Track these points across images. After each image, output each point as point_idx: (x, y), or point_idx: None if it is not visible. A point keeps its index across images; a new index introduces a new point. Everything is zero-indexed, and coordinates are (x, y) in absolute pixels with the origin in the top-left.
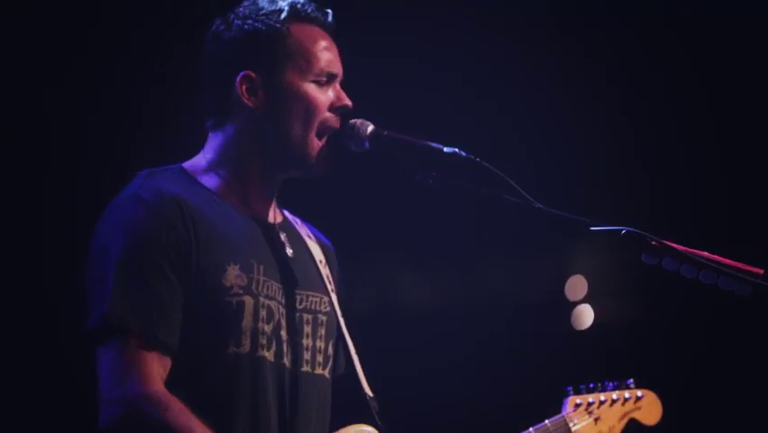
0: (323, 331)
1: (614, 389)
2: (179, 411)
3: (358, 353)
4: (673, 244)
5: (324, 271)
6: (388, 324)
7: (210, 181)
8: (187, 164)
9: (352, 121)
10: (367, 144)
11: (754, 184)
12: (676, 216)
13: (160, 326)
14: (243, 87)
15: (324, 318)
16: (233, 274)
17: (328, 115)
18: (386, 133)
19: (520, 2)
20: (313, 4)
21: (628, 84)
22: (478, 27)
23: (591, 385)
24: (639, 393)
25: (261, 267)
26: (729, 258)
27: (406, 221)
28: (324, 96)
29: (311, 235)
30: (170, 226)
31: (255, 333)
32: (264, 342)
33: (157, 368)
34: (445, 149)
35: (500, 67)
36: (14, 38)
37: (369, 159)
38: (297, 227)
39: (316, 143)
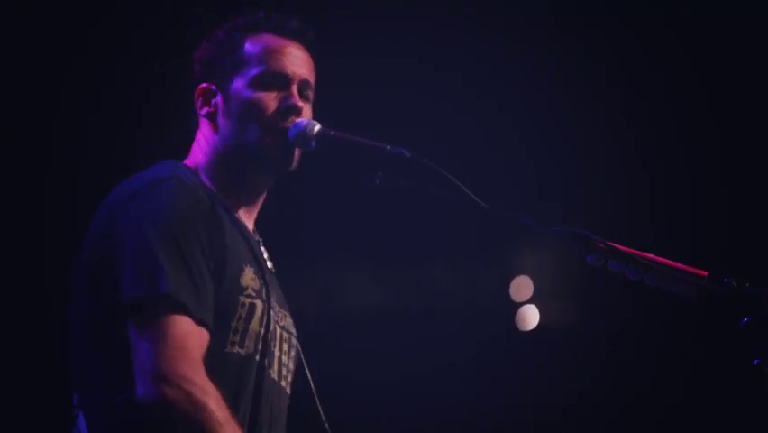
0: (293, 353)
1: None
2: (221, 403)
3: (314, 380)
4: (619, 246)
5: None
6: (329, 328)
7: (210, 184)
8: (189, 163)
9: (299, 120)
10: (313, 144)
11: (754, 184)
12: (676, 216)
13: (207, 309)
14: (199, 99)
15: (295, 342)
16: (249, 276)
17: (276, 116)
18: (332, 132)
19: (520, 2)
20: (277, 15)
21: (628, 84)
22: (478, 27)
23: None
24: None
25: (267, 276)
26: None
27: (351, 222)
28: (272, 99)
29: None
30: (207, 213)
31: (258, 338)
32: (262, 348)
33: (202, 352)
34: (391, 149)
35: (500, 67)
36: (14, 38)
37: (315, 158)
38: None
39: (266, 144)
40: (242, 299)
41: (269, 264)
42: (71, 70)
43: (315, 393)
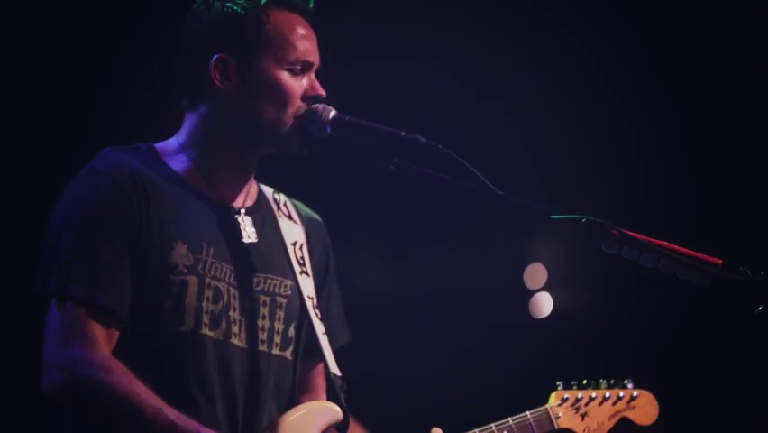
0: (281, 313)
1: (608, 387)
2: (121, 374)
3: (328, 333)
4: (633, 233)
5: (298, 253)
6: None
7: (178, 163)
8: (159, 145)
9: (315, 106)
10: (329, 129)
11: (752, 183)
12: (675, 215)
13: (107, 293)
14: (217, 70)
15: (284, 301)
16: (179, 253)
17: (301, 103)
18: (348, 118)
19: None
20: None
21: (628, 84)
22: (478, 27)
23: (585, 381)
24: (635, 393)
25: (212, 249)
26: (727, 256)
27: (364, 207)
28: (298, 85)
29: (293, 216)
30: (124, 199)
31: (199, 312)
32: (207, 321)
33: (101, 334)
34: (406, 135)
35: (500, 67)
36: (14, 37)
37: (331, 144)
38: (275, 209)
39: (288, 127)
40: (171, 277)
41: (246, 236)
42: (71, 68)
43: (322, 345)
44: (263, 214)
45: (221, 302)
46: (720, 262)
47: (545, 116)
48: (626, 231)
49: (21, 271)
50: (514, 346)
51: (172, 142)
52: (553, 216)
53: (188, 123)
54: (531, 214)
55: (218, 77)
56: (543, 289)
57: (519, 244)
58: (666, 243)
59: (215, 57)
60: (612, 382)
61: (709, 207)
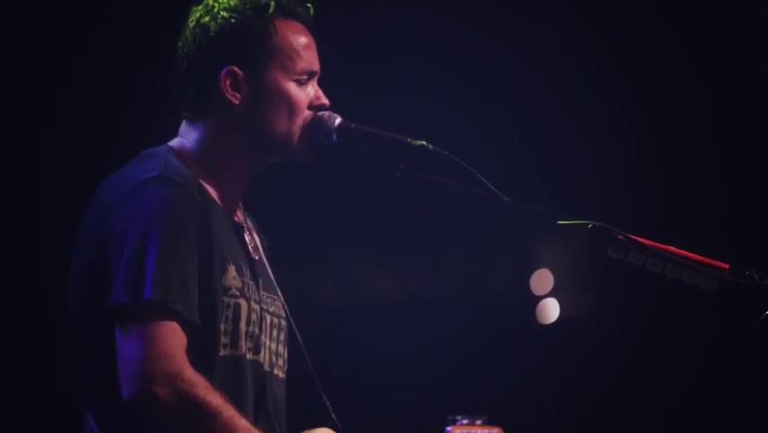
0: (282, 336)
1: (471, 423)
2: (222, 398)
3: (309, 355)
4: (640, 239)
5: (271, 268)
6: (351, 318)
7: (199, 170)
8: (177, 149)
9: (320, 113)
10: (335, 137)
11: (753, 183)
12: (675, 215)
13: (194, 308)
14: (227, 82)
15: (284, 324)
16: (231, 275)
17: (308, 113)
18: (353, 125)
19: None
20: (301, 2)
21: (629, 86)
22: (478, 29)
23: (463, 417)
24: (494, 431)
25: (247, 271)
26: (727, 258)
27: (371, 214)
28: (305, 95)
29: (255, 227)
30: (196, 212)
31: (246, 336)
32: (252, 345)
33: (185, 348)
34: (413, 141)
35: (501, 69)
36: (14, 37)
37: (336, 151)
38: (250, 224)
39: (297, 136)
40: (225, 299)
41: (256, 255)
42: (71, 68)
43: (313, 371)
44: (252, 230)
45: (258, 326)
46: (727, 266)
47: (546, 119)
48: (632, 236)
49: (21, 271)
50: (515, 350)
51: (183, 151)
52: (559, 222)
53: (193, 133)
54: (537, 219)
55: (229, 89)
56: (549, 294)
57: (526, 250)
58: (673, 247)
59: (226, 69)
60: (479, 419)
61: (711, 210)
